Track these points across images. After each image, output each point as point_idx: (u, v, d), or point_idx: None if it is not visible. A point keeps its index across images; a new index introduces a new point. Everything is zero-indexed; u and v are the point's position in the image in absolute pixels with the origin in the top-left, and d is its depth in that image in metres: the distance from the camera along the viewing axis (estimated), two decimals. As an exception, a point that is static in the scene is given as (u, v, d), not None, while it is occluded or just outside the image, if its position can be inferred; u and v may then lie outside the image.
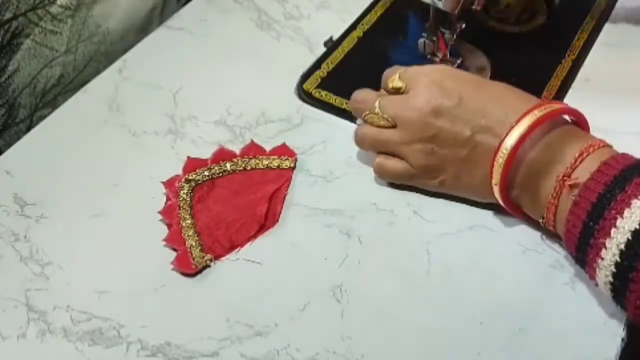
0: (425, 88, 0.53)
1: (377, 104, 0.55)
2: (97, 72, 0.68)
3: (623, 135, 0.59)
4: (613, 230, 0.43)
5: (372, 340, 0.48)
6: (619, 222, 0.43)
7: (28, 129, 0.67)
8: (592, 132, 0.51)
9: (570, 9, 0.73)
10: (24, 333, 0.49)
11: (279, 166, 0.58)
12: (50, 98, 0.70)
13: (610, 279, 0.43)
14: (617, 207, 0.43)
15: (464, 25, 0.62)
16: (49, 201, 0.57)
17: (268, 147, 0.60)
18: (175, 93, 0.66)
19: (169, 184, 0.57)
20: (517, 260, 0.51)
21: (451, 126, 0.51)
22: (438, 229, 0.54)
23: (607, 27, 0.70)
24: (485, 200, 0.53)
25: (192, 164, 0.59)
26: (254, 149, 0.60)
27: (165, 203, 0.56)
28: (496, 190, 0.49)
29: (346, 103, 0.64)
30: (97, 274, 0.52)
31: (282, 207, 0.56)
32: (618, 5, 0.72)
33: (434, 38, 0.64)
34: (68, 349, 0.48)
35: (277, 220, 0.55)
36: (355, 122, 0.62)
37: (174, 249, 0.53)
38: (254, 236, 0.54)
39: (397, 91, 0.55)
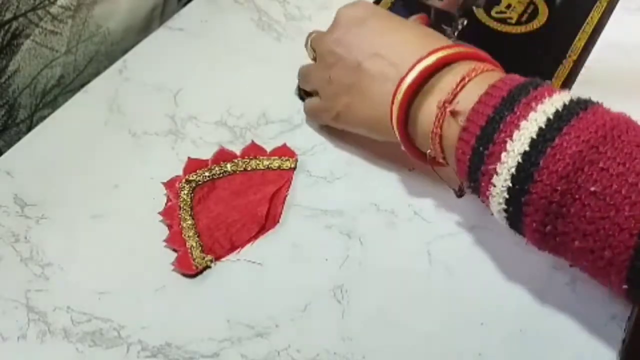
0: (337, 20, 0.55)
1: (309, 40, 0.59)
2: (98, 73, 0.68)
3: (624, 136, 0.59)
4: (503, 154, 0.41)
5: (373, 341, 0.48)
6: (509, 145, 0.41)
7: (28, 130, 0.67)
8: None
9: (571, 9, 0.73)
10: (24, 334, 0.49)
11: (279, 167, 0.58)
12: (50, 98, 0.70)
13: (504, 205, 0.42)
14: (507, 129, 0.41)
15: (465, 22, 0.61)
16: (49, 202, 0.57)
17: (269, 148, 0.60)
18: (176, 93, 0.65)
19: (169, 184, 0.57)
20: (518, 261, 0.51)
21: (346, 53, 0.53)
22: (439, 229, 0.54)
23: (609, 28, 0.70)
24: (379, 138, 0.53)
25: (193, 165, 0.58)
26: (254, 150, 0.60)
27: (166, 204, 0.56)
28: (395, 125, 0.49)
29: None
30: (98, 275, 0.52)
31: (282, 207, 0.56)
32: (619, 5, 0.72)
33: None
34: (68, 350, 0.48)
35: (278, 221, 0.55)
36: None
37: (175, 250, 0.53)
38: (255, 237, 0.54)
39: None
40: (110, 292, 0.51)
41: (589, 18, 0.71)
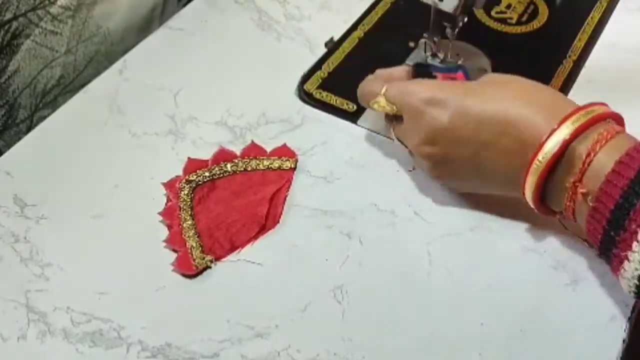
0: (417, 114, 0.51)
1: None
2: (98, 73, 0.68)
3: (624, 136, 0.59)
4: (635, 244, 0.42)
5: (372, 342, 0.48)
6: None
7: (28, 130, 0.67)
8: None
9: (572, 9, 0.73)
10: (24, 334, 0.49)
11: (279, 167, 0.58)
12: (50, 99, 0.70)
13: (634, 289, 0.43)
14: (637, 217, 0.41)
15: (465, 19, 0.61)
16: (49, 202, 0.57)
17: (269, 148, 0.60)
18: (176, 94, 0.65)
19: (169, 185, 0.57)
20: (518, 262, 0.51)
21: (450, 150, 0.50)
22: (439, 230, 0.54)
23: (609, 28, 0.70)
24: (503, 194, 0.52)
25: (193, 165, 0.58)
26: (254, 150, 0.60)
27: (166, 204, 0.56)
28: (530, 192, 0.47)
29: (347, 104, 0.64)
30: (98, 275, 0.52)
31: (282, 208, 0.56)
32: (619, 5, 0.72)
33: (435, 39, 0.64)
34: (68, 351, 0.48)
35: (278, 221, 0.55)
36: (356, 123, 0.62)
37: (175, 250, 0.53)
38: (255, 237, 0.54)
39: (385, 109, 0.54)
40: (110, 292, 0.51)
41: (589, 18, 0.71)
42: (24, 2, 0.63)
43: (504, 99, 0.49)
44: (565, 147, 0.45)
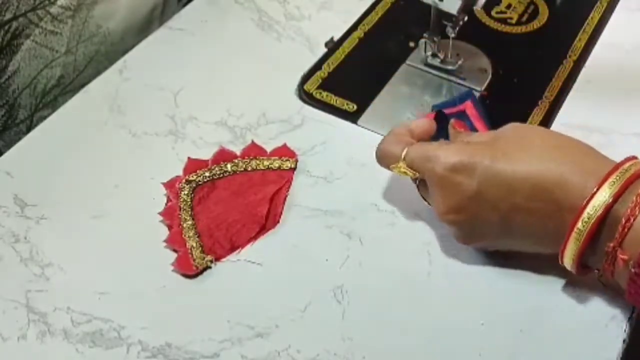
0: (442, 182, 0.48)
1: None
2: (98, 73, 0.68)
3: (624, 137, 0.59)
4: None
5: (372, 342, 0.48)
6: None
7: (28, 130, 0.67)
8: (593, 133, 0.50)
9: (572, 9, 0.73)
10: (24, 334, 0.49)
11: (279, 167, 0.58)
12: (50, 99, 0.70)
13: None
14: None
15: (466, 18, 0.61)
16: (49, 202, 0.57)
17: (269, 148, 0.60)
18: (176, 94, 0.65)
19: (169, 185, 0.57)
20: (518, 261, 0.51)
21: (479, 215, 0.48)
22: (439, 230, 0.54)
23: (609, 28, 0.70)
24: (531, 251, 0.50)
25: (193, 165, 0.58)
26: (254, 150, 0.60)
27: (166, 204, 0.56)
28: (569, 259, 0.46)
29: (347, 104, 0.64)
30: (98, 275, 0.52)
31: (282, 208, 0.56)
32: (619, 5, 0.72)
33: (435, 38, 0.64)
34: (68, 351, 0.48)
35: (278, 221, 0.55)
36: (356, 123, 0.62)
37: (175, 250, 0.53)
38: (255, 237, 0.54)
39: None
40: (110, 293, 0.51)
41: (589, 18, 0.71)
42: (24, 2, 0.63)
43: (533, 160, 0.46)
44: (608, 211, 0.43)
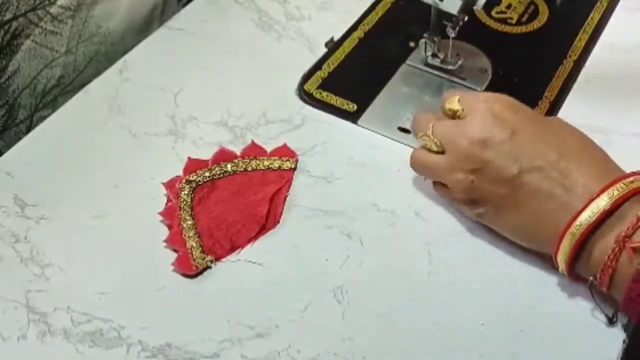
0: (480, 116, 0.49)
1: (430, 127, 0.52)
2: (98, 73, 0.68)
3: (624, 137, 0.59)
4: None
5: (373, 342, 0.48)
6: None
7: (28, 130, 0.67)
8: (594, 133, 0.50)
9: (572, 9, 0.73)
10: (24, 334, 0.49)
11: (279, 167, 0.58)
12: (50, 99, 0.70)
13: None
14: None
15: (466, 18, 0.61)
16: (49, 202, 0.57)
17: (269, 148, 0.60)
18: (176, 94, 0.65)
19: (169, 185, 0.57)
20: (518, 261, 0.51)
21: (498, 160, 0.48)
22: (439, 230, 0.54)
23: (609, 28, 0.70)
24: (526, 245, 0.50)
25: (193, 165, 0.58)
26: (254, 150, 0.60)
27: (166, 204, 0.56)
28: (561, 261, 0.46)
29: (347, 104, 0.64)
30: (98, 275, 0.52)
31: (282, 208, 0.56)
32: (619, 5, 0.72)
33: (435, 38, 0.64)
34: (68, 351, 0.48)
35: (278, 222, 0.55)
36: (356, 123, 0.62)
37: (175, 250, 0.53)
38: (255, 237, 0.54)
39: (454, 114, 0.52)
40: (110, 293, 0.51)
41: (589, 18, 0.71)
42: (24, 2, 0.63)
43: (568, 137, 0.49)
44: (604, 219, 0.44)
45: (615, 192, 0.44)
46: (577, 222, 0.44)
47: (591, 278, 0.46)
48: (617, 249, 0.43)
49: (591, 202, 0.44)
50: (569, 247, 0.45)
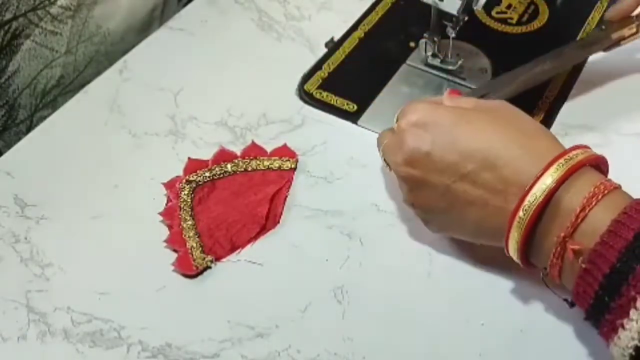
0: (401, 134, 0.49)
1: (383, 145, 0.52)
2: (98, 73, 0.68)
3: (623, 137, 0.59)
4: (632, 312, 0.38)
5: (373, 342, 0.48)
6: (639, 303, 0.38)
7: (28, 130, 0.67)
8: (593, 133, 0.50)
9: (572, 9, 0.73)
10: (24, 334, 0.49)
11: (279, 167, 0.58)
12: (50, 99, 0.70)
13: (628, 358, 0.40)
14: (637, 283, 0.38)
15: (466, 18, 0.61)
16: (49, 202, 0.57)
17: (269, 148, 0.60)
18: (176, 94, 0.65)
19: (169, 185, 0.57)
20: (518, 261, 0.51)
21: (426, 176, 0.47)
22: (439, 230, 0.54)
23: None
24: (482, 243, 0.49)
25: (193, 165, 0.58)
26: (254, 150, 0.60)
27: (166, 204, 0.56)
28: (514, 254, 0.45)
29: (347, 104, 0.64)
30: (98, 275, 0.52)
31: (283, 208, 0.56)
32: (619, 6, 0.72)
33: (435, 38, 0.64)
34: (68, 351, 0.48)
35: (278, 222, 0.55)
36: (356, 123, 0.62)
37: (175, 250, 0.53)
38: (255, 237, 0.54)
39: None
40: (110, 293, 0.51)
41: (589, 18, 0.71)
42: (24, 2, 0.63)
43: (493, 135, 0.46)
44: (551, 196, 0.42)
45: (557, 169, 0.42)
46: (516, 222, 0.43)
47: (543, 273, 0.45)
48: (559, 248, 0.42)
49: (525, 195, 0.43)
50: (516, 246, 0.44)
